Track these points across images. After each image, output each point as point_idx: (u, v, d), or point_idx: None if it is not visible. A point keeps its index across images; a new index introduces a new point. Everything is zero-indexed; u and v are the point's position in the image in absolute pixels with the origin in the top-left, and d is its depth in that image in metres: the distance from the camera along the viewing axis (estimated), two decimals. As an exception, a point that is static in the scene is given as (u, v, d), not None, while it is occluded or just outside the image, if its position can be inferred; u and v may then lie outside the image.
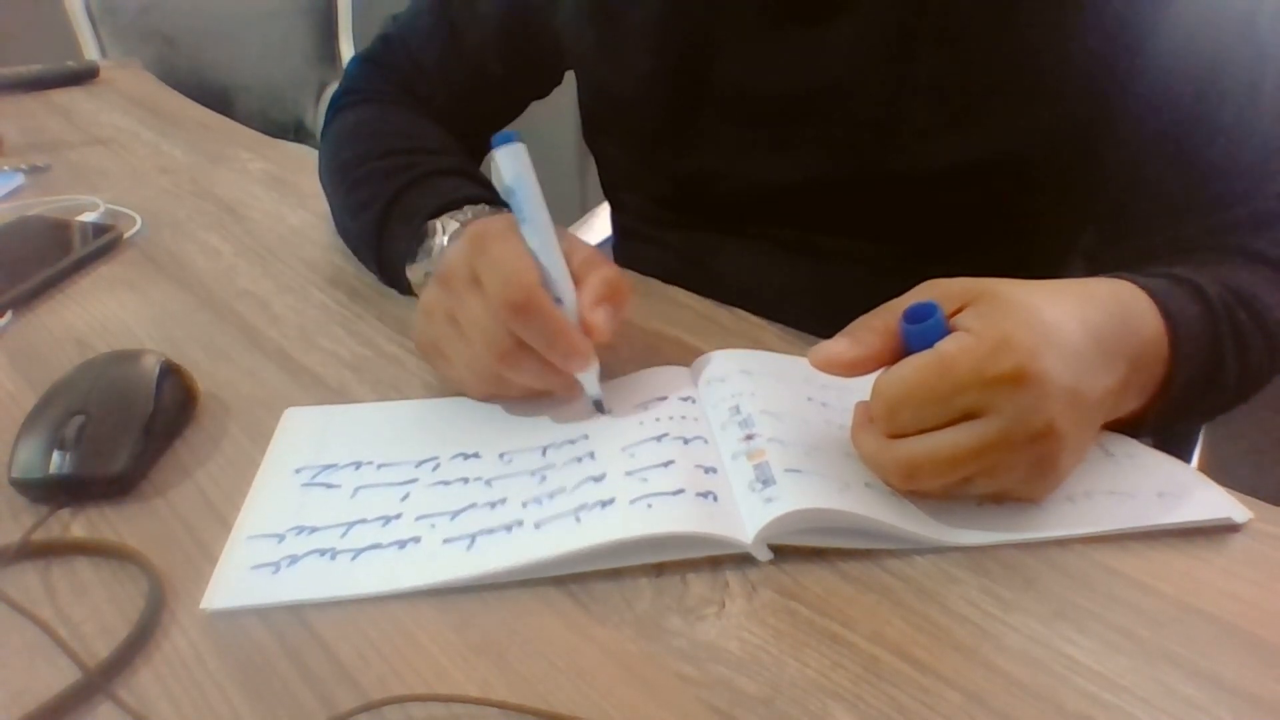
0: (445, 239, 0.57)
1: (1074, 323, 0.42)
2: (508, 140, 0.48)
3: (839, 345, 0.42)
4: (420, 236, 0.58)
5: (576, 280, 0.49)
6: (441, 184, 0.62)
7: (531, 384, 0.48)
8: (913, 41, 0.57)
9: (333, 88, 2.08)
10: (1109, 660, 0.36)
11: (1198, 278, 0.50)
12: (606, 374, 0.52)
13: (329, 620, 0.38)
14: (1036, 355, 0.39)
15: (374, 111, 0.75)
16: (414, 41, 0.77)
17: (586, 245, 0.51)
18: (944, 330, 0.41)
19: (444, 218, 0.58)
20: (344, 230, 0.70)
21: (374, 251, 0.64)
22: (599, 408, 0.49)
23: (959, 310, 0.41)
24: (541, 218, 0.48)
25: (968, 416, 0.39)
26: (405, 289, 0.62)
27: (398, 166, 0.64)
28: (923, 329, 0.41)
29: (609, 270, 0.49)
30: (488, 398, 0.51)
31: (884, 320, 0.42)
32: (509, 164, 0.48)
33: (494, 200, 0.60)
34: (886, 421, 0.41)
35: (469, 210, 0.59)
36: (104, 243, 0.72)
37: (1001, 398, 0.39)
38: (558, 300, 0.48)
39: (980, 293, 0.42)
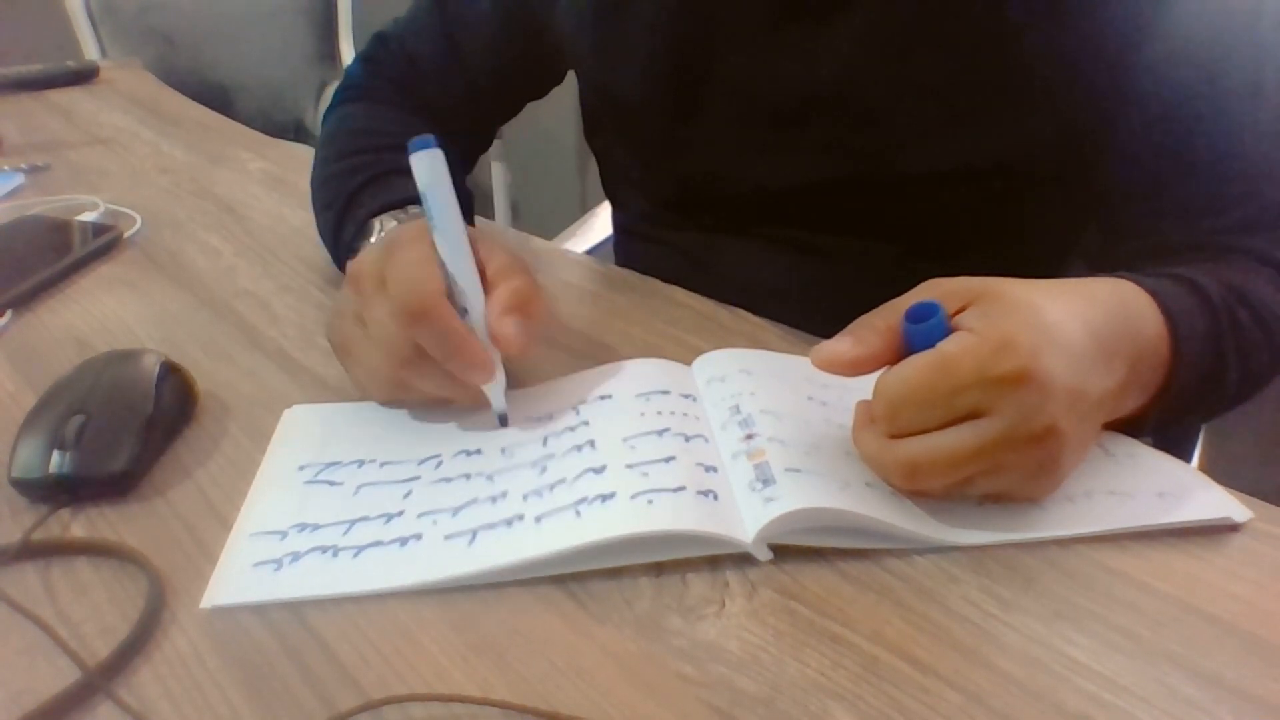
0: (379, 238, 0.57)
1: (1076, 322, 0.42)
2: (423, 146, 0.47)
3: (841, 345, 0.42)
4: (366, 234, 0.59)
5: (490, 289, 0.48)
6: (393, 183, 0.62)
7: (434, 392, 0.48)
8: (912, 43, 0.57)
9: (333, 88, 2.09)
10: (1109, 660, 0.36)
11: (1199, 277, 0.50)
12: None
13: (329, 620, 0.38)
14: (1039, 355, 0.39)
15: (360, 109, 0.76)
16: (409, 40, 0.77)
17: (506, 253, 0.51)
18: (946, 330, 0.41)
19: (385, 216, 0.58)
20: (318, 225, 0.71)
21: (334, 250, 0.65)
22: (502, 421, 0.49)
23: (961, 310, 0.41)
24: (452, 225, 0.47)
25: (970, 416, 0.39)
26: None
27: (360, 165, 0.65)
28: (925, 328, 0.41)
29: (520, 280, 0.49)
30: (390, 403, 0.51)
31: (886, 320, 0.42)
32: (422, 170, 0.47)
33: None
34: (888, 421, 0.41)
35: (413, 210, 0.59)
36: (104, 243, 0.72)
37: (1004, 398, 0.39)
38: (463, 310, 0.47)
39: (982, 292, 0.42)
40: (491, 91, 0.77)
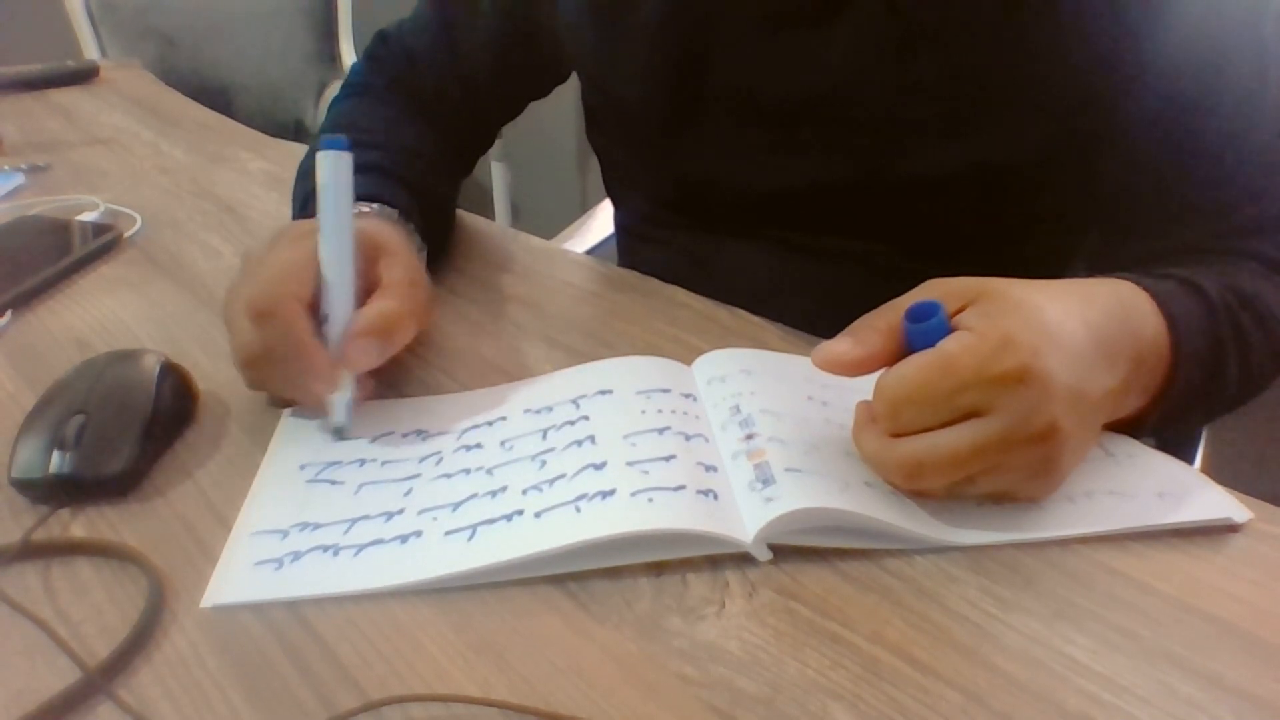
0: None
1: (1076, 322, 0.42)
2: (332, 146, 0.48)
3: (841, 345, 0.42)
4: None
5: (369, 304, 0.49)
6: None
7: (279, 392, 0.49)
8: (912, 46, 0.57)
9: (333, 88, 2.09)
10: (1109, 660, 0.36)
11: (1199, 279, 0.50)
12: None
13: (329, 620, 0.38)
14: (1039, 354, 0.39)
15: (352, 105, 0.76)
16: (409, 38, 0.78)
17: (404, 271, 0.51)
18: (946, 329, 0.41)
19: None
20: None
21: None
22: (338, 434, 0.49)
23: (961, 309, 0.41)
24: (338, 230, 0.48)
25: (970, 415, 0.39)
26: None
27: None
28: (925, 328, 0.41)
29: (394, 303, 0.49)
30: (255, 390, 0.52)
31: (886, 320, 0.42)
32: (322, 170, 0.48)
33: (393, 202, 0.61)
34: (889, 421, 0.41)
35: (359, 206, 0.59)
36: (104, 243, 0.72)
37: (1004, 397, 0.39)
38: (325, 316, 0.48)
39: (982, 292, 0.42)
40: (491, 90, 0.77)
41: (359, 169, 0.63)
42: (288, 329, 0.46)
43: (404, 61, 0.77)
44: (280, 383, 0.49)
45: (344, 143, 0.48)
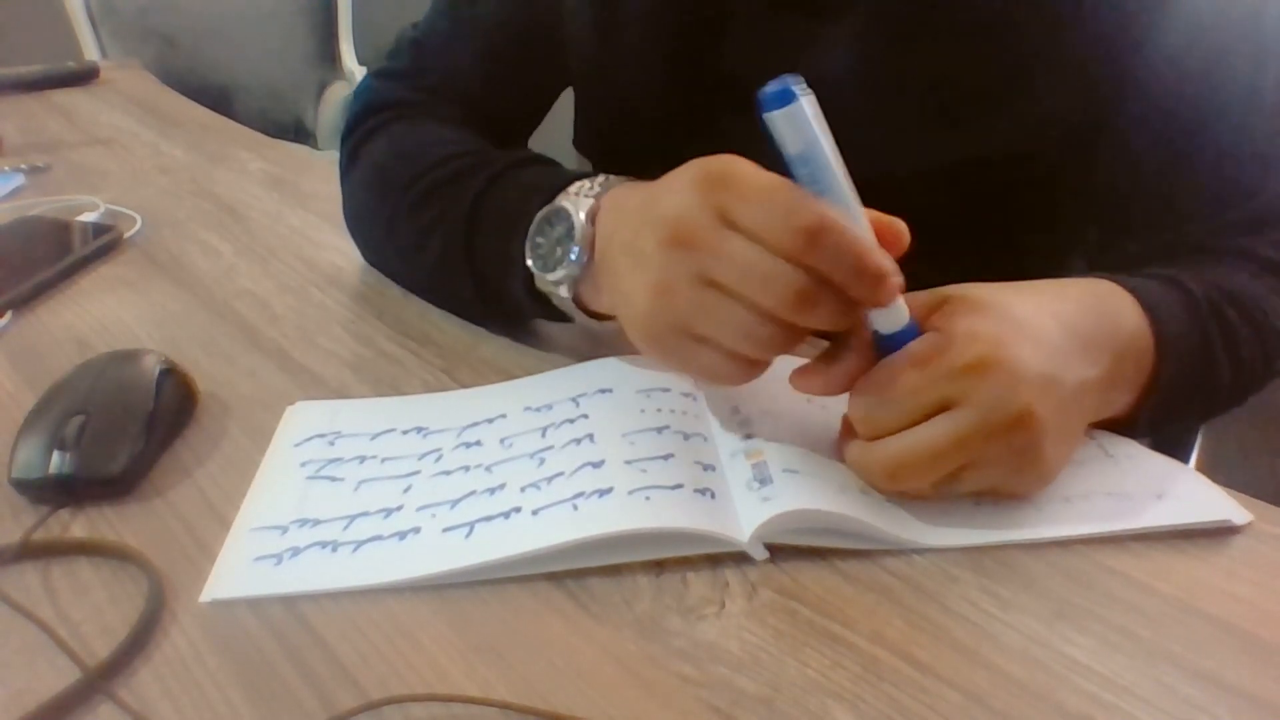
0: (583, 217, 0.49)
1: (1046, 316, 0.42)
2: (785, 100, 0.37)
3: (815, 364, 0.43)
4: (546, 224, 0.52)
5: None
6: (533, 170, 0.56)
7: (827, 326, 0.41)
8: (912, 37, 0.57)
9: (333, 88, 2.09)
10: (1109, 660, 0.36)
11: (1180, 275, 0.50)
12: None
13: (329, 620, 0.38)
14: (1003, 344, 0.40)
15: (406, 128, 0.69)
16: (438, 43, 0.73)
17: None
18: (915, 335, 0.42)
19: (573, 195, 0.50)
20: (408, 266, 0.64)
21: (466, 266, 0.57)
22: (900, 335, 0.41)
23: (929, 316, 0.42)
24: (841, 185, 0.40)
25: (943, 410, 0.40)
26: (512, 304, 0.56)
27: (466, 168, 0.58)
28: (894, 336, 0.41)
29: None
30: (751, 377, 0.44)
31: (858, 335, 0.43)
32: (792, 128, 0.39)
33: (585, 174, 0.54)
34: (864, 425, 0.42)
35: (594, 183, 0.51)
36: (104, 243, 0.72)
37: (973, 387, 0.39)
38: None
39: (949, 296, 0.43)
40: (523, 80, 0.74)
41: (531, 161, 0.58)
42: (850, 235, 0.39)
43: (439, 65, 0.72)
44: (830, 315, 0.40)
45: (793, 91, 0.38)
